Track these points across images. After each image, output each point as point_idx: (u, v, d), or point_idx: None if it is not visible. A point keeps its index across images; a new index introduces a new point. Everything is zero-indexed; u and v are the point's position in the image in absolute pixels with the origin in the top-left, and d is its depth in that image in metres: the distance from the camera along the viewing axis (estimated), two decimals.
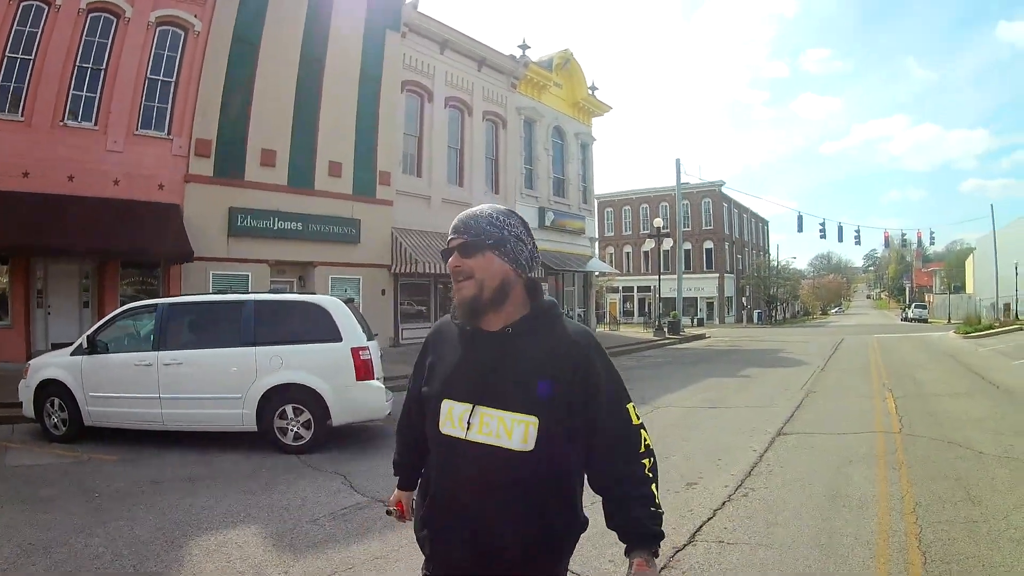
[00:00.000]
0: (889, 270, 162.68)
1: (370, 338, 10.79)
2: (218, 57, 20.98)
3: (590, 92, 39.81)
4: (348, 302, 11.26)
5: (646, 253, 71.38)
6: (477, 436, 2.18)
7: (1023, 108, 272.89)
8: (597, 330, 41.66)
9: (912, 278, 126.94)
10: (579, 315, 38.75)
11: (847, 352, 28.13)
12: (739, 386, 17.03)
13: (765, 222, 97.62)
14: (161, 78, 20.12)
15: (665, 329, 39.49)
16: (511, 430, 2.14)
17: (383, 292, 26.00)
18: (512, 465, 2.15)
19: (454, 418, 2.23)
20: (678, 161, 44.94)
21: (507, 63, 32.97)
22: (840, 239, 50.21)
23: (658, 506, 2.21)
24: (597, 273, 41.89)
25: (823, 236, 49.71)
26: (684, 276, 44.30)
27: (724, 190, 71.97)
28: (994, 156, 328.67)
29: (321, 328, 10.26)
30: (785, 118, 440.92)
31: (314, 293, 15.79)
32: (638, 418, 2.31)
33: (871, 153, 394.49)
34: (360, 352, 10.26)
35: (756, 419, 12.19)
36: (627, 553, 2.15)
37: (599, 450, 2.24)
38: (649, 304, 70.24)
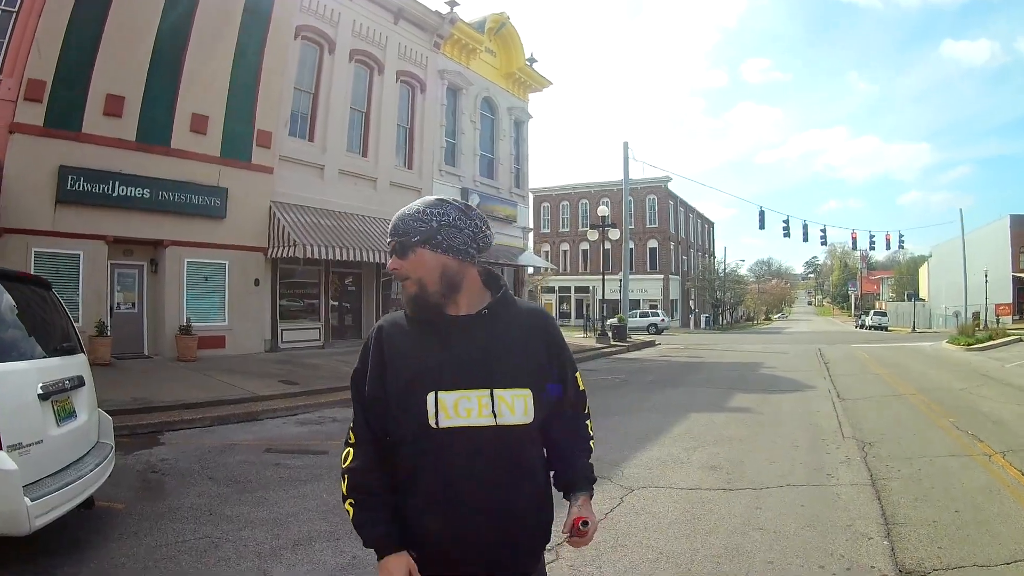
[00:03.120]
0: (832, 277, 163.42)
1: (55, 351, 6.07)
2: None
3: (528, 64, 35.22)
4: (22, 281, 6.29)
5: (585, 251, 68.12)
6: (502, 419, 2.16)
7: (966, 125, 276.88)
8: None
9: (859, 285, 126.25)
10: None
11: (843, 367, 23.85)
12: (745, 431, 11.67)
13: (711, 223, 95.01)
14: (2, 8, 16.10)
15: (610, 335, 34.93)
16: (513, 405, 2.17)
17: (256, 282, 21.08)
18: (520, 440, 2.23)
19: (459, 409, 2.15)
20: (626, 144, 40.22)
21: (431, 18, 28.18)
22: (805, 238, 46.82)
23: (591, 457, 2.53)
24: (531, 269, 37.17)
25: (787, 235, 46.21)
26: (632, 276, 39.91)
27: (670, 187, 67.80)
28: (935, 170, 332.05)
29: None
30: (723, 127, 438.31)
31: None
32: (583, 385, 2.51)
33: (809, 163, 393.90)
34: None
35: (827, 525, 6.47)
36: (570, 494, 2.40)
37: (563, 412, 2.42)
38: (587, 306, 66.78)
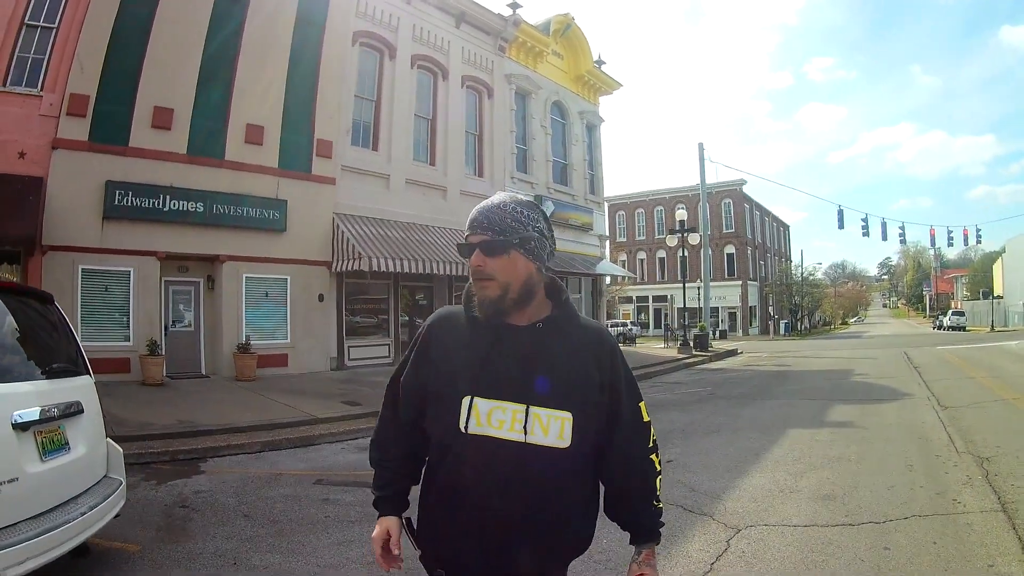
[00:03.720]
0: (906, 278, 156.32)
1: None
2: None
3: (596, 66, 33.55)
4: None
5: (662, 260, 66.15)
6: (532, 439, 2.08)
7: None
8: None
9: (934, 284, 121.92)
10: None
11: (936, 371, 21.70)
12: (853, 450, 10.09)
13: (786, 227, 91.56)
14: (41, 24, 15.49)
15: (691, 344, 32.99)
16: (548, 426, 2.08)
17: (320, 298, 19.83)
18: (551, 463, 2.09)
19: (492, 419, 2.10)
20: (701, 145, 38.44)
21: (493, 21, 26.79)
22: (884, 237, 44.73)
23: (660, 500, 2.34)
24: (609, 279, 35.56)
25: (866, 233, 43.89)
26: (682, 284, 37.95)
27: (745, 190, 65.58)
28: (1002, 162, 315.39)
29: None
30: (791, 128, 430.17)
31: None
32: (648, 416, 2.37)
33: (879, 161, 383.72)
34: None
35: (966, 567, 5.37)
36: (634, 542, 2.28)
37: (616, 444, 2.26)
38: (666, 315, 64.59)
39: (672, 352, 32.84)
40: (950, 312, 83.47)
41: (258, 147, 18.47)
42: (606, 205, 35.81)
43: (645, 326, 63.95)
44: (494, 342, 2.13)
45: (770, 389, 18.84)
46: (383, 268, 19.11)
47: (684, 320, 36.95)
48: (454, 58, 25.12)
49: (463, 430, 2.08)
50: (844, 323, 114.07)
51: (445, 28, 24.79)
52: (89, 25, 15.61)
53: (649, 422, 2.34)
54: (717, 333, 54.46)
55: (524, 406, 2.07)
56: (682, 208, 62.49)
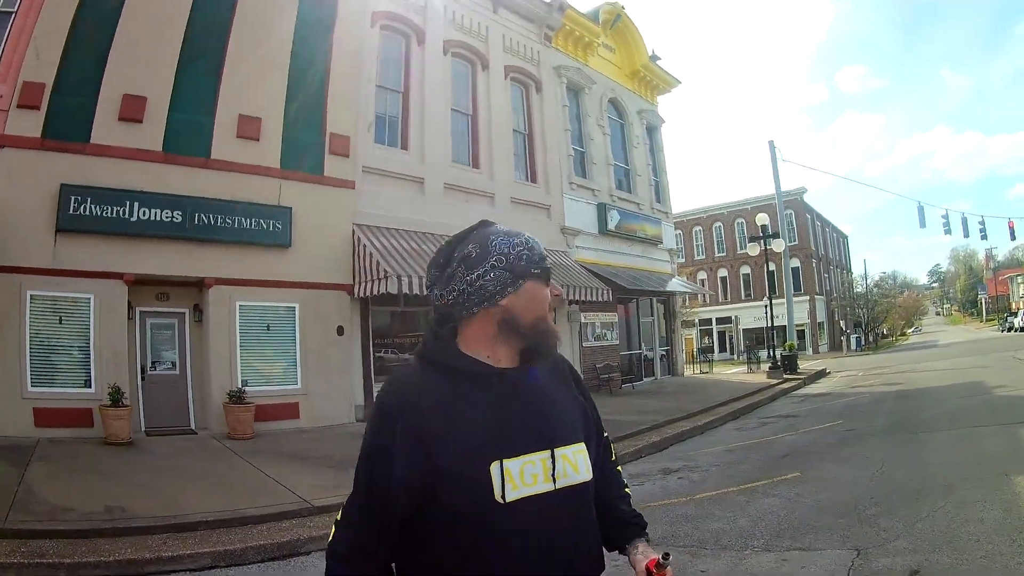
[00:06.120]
0: (958, 283, 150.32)
1: None
2: None
3: (652, 61, 29.03)
4: None
5: (723, 279, 60.58)
6: (563, 480, 1.87)
7: None
8: (687, 375, 30.48)
9: (993, 286, 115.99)
10: (660, 357, 27.72)
11: None
12: None
13: (845, 236, 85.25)
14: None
15: (782, 368, 27.91)
16: (576, 463, 1.91)
17: (339, 330, 15.29)
18: (585, 499, 1.95)
19: (525, 476, 1.82)
20: (771, 143, 32.94)
21: (536, 5, 22.53)
22: (966, 234, 39.65)
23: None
24: (682, 299, 30.92)
25: (947, 231, 38.61)
26: (773, 301, 33.07)
27: (805, 199, 60.06)
28: None
29: None
30: (830, 141, 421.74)
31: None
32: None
33: (917, 168, 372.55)
34: None
35: None
36: (628, 542, 2.11)
37: (601, 460, 2.14)
38: (730, 338, 59.58)
39: (760, 377, 27.75)
40: (1021, 312, 77.08)
41: (254, 143, 14.33)
42: (671, 205, 30.75)
43: (709, 350, 58.64)
44: (498, 391, 1.87)
45: (914, 417, 14.44)
46: (419, 290, 14.52)
47: (765, 341, 31.94)
48: (494, 46, 20.90)
49: (501, 501, 1.76)
50: (903, 334, 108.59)
51: (482, 12, 20.68)
52: (49, 6, 12.43)
53: (607, 435, 2.23)
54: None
55: (548, 451, 1.86)
56: (740, 225, 58.36)
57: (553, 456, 1.85)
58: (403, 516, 1.81)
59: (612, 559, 2.07)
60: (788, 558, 6.19)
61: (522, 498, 1.78)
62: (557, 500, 1.83)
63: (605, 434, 2.19)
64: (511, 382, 1.88)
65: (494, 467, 1.77)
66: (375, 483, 1.84)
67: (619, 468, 2.25)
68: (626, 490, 2.21)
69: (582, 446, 1.93)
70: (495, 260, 1.88)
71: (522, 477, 1.79)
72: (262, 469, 10.04)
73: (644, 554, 2.03)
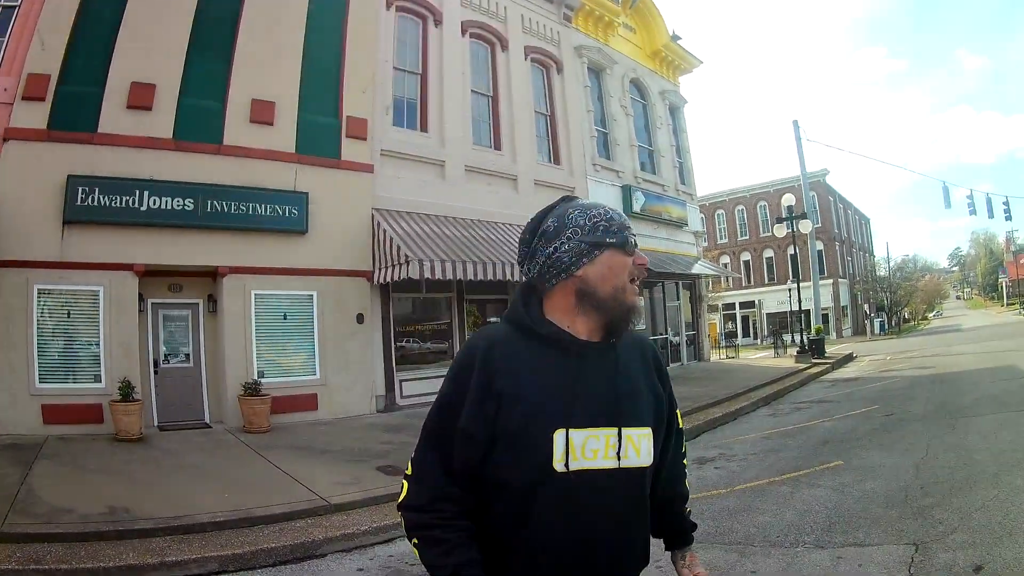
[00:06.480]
0: (978, 266, 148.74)
1: None
2: None
3: (673, 41, 28.18)
4: None
5: (747, 262, 59.74)
6: (625, 461, 1.84)
7: None
8: (712, 360, 29.82)
9: (1011, 270, 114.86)
10: (686, 342, 27.06)
11: None
12: None
13: (867, 219, 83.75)
14: (3, 4, 12.21)
15: (810, 352, 27.12)
16: (639, 446, 1.87)
17: (359, 318, 14.74)
18: (642, 483, 1.91)
19: (587, 449, 1.79)
20: (796, 123, 32.01)
21: None
22: (991, 214, 38.73)
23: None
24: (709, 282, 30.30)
25: (972, 212, 38.07)
26: (796, 284, 32.36)
27: (828, 181, 58.88)
28: None
29: None
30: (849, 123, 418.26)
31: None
32: (681, 421, 2.21)
33: (940, 150, 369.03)
34: None
35: None
36: (678, 547, 2.14)
37: (670, 453, 2.11)
38: (753, 322, 58.75)
39: (788, 362, 27.01)
40: None
41: (268, 127, 13.80)
42: (696, 187, 30.02)
43: (733, 335, 57.91)
44: (578, 363, 1.85)
45: (953, 401, 13.89)
46: (441, 275, 14.06)
47: (789, 325, 31.19)
48: (513, 26, 20.17)
49: (562, 469, 1.75)
50: (924, 319, 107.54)
51: None
52: None
53: (682, 428, 2.19)
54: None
55: (616, 429, 1.83)
56: (762, 208, 57.46)
57: (620, 435, 1.82)
58: (470, 468, 1.79)
59: (654, 556, 2.01)
60: (843, 555, 5.74)
61: (583, 470, 1.75)
62: (616, 479, 1.80)
63: (679, 426, 2.14)
64: (590, 354, 1.86)
65: (558, 434, 1.75)
66: (445, 432, 1.82)
67: (686, 462, 2.22)
68: (687, 485, 2.20)
69: (648, 431, 1.88)
70: (571, 232, 1.87)
71: (583, 450, 1.76)
72: (277, 464, 9.53)
73: (691, 569, 2.04)
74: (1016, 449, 8.83)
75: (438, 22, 17.84)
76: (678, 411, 2.12)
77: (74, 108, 11.97)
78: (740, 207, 61.08)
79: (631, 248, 1.90)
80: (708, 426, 13.34)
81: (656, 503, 2.04)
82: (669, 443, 2.06)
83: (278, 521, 7.24)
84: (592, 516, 1.78)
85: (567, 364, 1.83)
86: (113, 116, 12.21)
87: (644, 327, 23.57)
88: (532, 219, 1.97)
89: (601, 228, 1.86)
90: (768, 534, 6.44)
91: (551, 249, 1.87)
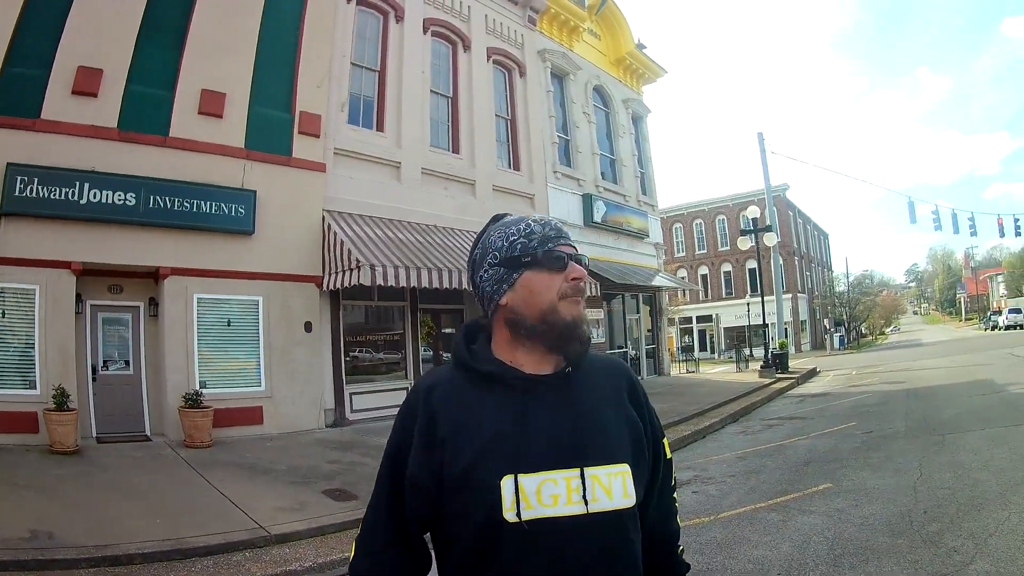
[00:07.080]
0: (936, 282, 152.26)
1: None
2: None
3: (638, 49, 27.99)
4: None
5: (704, 276, 59.94)
6: (596, 506, 1.62)
7: None
8: (673, 374, 29.57)
9: (968, 286, 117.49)
10: (646, 355, 26.85)
11: None
12: None
13: (825, 234, 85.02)
14: None
15: (774, 366, 26.87)
16: (610, 487, 1.64)
17: (307, 327, 14.07)
18: (621, 528, 1.66)
19: (543, 495, 1.59)
20: (760, 135, 32.18)
21: None
22: (956, 230, 39.49)
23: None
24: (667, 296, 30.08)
25: (938, 227, 39.04)
26: (754, 299, 32.34)
27: (788, 196, 59.12)
28: (1015, 158, 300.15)
29: None
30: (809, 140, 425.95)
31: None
32: (669, 452, 1.99)
33: (899, 171, 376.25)
34: None
35: None
36: None
37: (658, 488, 1.90)
38: (711, 336, 58.93)
39: (751, 376, 26.81)
40: (1006, 311, 76.42)
41: (217, 120, 13.12)
42: (658, 197, 29.83)
43: (690, 349, 58.00)
44: (524, 400, 1.66)
45: (933, 416, 13.71)
46: (394, 282, 13.44)
47: (747, 339, 31.02)
48: (476, 26, 19.74)
49: (512, 519, 1.57)
50: (882, 333, 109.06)
51: None
52: None
53: (671, 459, 1.97)
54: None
55: (578, 470, 1.63)
56: (721, 222, 57.65)
57: (583, 476, 1.62)
58: (424, 519, 1.69)
59: None
60: None
61: (541, 518, 1.56)
62: (586, 527, 1.59)
63: (668, 457, 1.94)
64: (540, 389, 1.69)
65: (506, 481, 1.59)
66: (395, 484, 1.71)
67: (675, 495, 2.01)
68: (678, 520, 2.00)
69: (623, 468, 1.67)
70: (491, 257, 1.76)
71: (538, 496, 1.58)
72: (217, 486, 8.86)
73: None
74: (1017, 468, 8.55)
75: (399, 18, 17.30)
76: (665, 440, 1.92)
77: (18, 92, 11.22)
78: (698, 221, 61.33)
79: (557, 264, 1.70)
80: (678, 444, 12.85)
81: (644, 544, 1.82)
82: (656, 477, 1.87)
83: (213, 554, 6.59)
84: (558, 571, 1.57)
85: (513, 402, 1.66)
86: (58, 102, 11.48)
87: (603, 339, 23.21)
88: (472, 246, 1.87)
89: (519, 247, 1.72)
90: (767, 571, 5.84)
91: (477, 279, 1.80)
